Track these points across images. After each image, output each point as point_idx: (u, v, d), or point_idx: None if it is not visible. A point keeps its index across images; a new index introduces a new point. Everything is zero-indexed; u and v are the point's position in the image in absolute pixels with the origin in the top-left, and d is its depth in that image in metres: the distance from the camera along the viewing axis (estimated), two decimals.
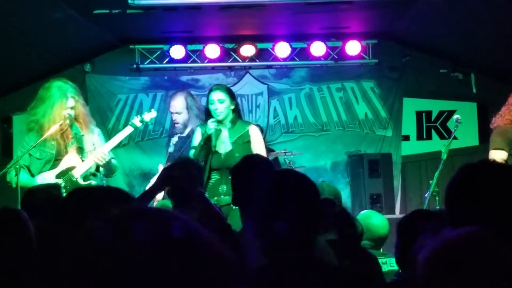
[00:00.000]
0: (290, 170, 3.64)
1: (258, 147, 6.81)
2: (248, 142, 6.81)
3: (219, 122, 6.69)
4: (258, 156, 5.88)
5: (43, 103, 6.54)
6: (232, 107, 6.80)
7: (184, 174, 4.50)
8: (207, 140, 6.65)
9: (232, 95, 6.86)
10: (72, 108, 6.58)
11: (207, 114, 6.85)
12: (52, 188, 5.23)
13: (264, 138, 10.07)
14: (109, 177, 7.15)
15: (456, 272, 1.75)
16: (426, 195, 7.03)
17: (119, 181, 9.78)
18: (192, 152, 6.69)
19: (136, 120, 7.01)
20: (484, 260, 1.76)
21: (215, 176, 6.70)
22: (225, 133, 6.76)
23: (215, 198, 6.47)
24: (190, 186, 4.36)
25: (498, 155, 6.65)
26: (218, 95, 6.72)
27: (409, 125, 10.76)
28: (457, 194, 2.61)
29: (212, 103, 6.73)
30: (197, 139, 6.87)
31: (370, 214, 5.38)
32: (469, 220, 2.47)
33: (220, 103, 6.70)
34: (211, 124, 6.65)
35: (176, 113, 7.82)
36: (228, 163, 6.42)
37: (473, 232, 1.85)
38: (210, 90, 6.86)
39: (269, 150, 9.79)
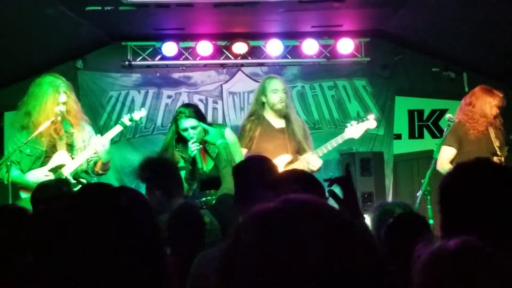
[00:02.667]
0: None
1: (233, 150, 6.79)
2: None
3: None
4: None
5: (36, 99, 6.52)
6: (203, 125, 6.76)
7: None
8: (193, 162, 6.63)
9: (201, 116, 6.82)
10: (64, 103, 6.56)
11: (180, 137, 6.81)
12: (61, 184, 5.25)
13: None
14: (101, 175, 7.11)
15: (452, 280, 1.75)
16: (418, 194, 7.04)
17: (110, 178, 9.74)
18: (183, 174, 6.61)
19: (126, 119, 6.99)
20: (479, 269, 1.76)
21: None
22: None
23: (203, 199, 6.56)
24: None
25: (447, 152, 7.34)
26: (189, 123, 6.67)
27: (401, 124, 10.76)
28: (450, 193, 2.61)
29: (185, 131, 6.69)
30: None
31: None
32: (461, 219, 2.47)
33: (193, 130, 6.66)
34: (193, 146, 6.61)
35: None
36: (214, 176, 6.55)
37: (468, 241, 1.85)
38: (179, 116, 6.76)
39: None
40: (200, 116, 6.79)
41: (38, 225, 2.63)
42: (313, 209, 1.35)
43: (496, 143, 7.28)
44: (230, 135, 6.94)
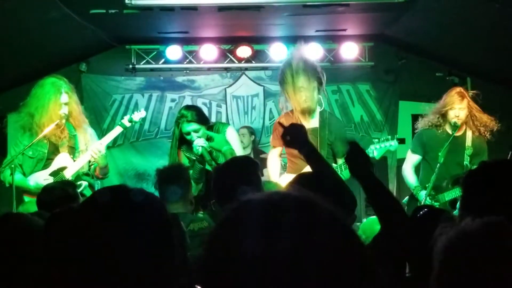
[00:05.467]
0: None
1: (236, 151, 6.66)
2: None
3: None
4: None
5: (38, 100, 6.51)
6: (206, 127, 6.71)
7: None
8: (202, 159, 6.57)
9: (203, 119, 6.73)
10: (66, 104, 6.55)
11: (182, 139, 6.73)
12: (67, 186, 5.25)
13: (254, 140, 10.19)
14: (101, 179, 7.09)
15: (474, 259, 1.75)
16: (422, 198, 7.03)
17: (113, 182, 9.74)
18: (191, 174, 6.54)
19: (125, 120, 6.96)
20: (502, 249, 1.75)
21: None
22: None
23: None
24: None
25: (411, 157, 7.64)
26: (192, 127, 6.57)
27: (404, 128, 10.73)
28: (475, 186, 2.65)
29: (188, 136, 6.59)
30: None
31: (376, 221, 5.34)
32: (483, 210, 2.49)
33: (196, 132, 6.60)
34: (200, 142, 6.55)
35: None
36: None
37: (492, 221, 1.85)
38: (181, 120, 6.63)
39: (261, 152, 9.79)
40: (202, 119, 6.70)
41: (51, 228, 2.63)
42: (294, 201, 1.36)
43: None
44: (232, 135, 6.82)
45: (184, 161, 6.75)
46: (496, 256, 1.74)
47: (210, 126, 6.80)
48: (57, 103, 6.51)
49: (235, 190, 3.75)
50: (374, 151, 6.47)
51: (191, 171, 6.47)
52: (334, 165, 6.53)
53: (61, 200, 4.68)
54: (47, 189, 5.18)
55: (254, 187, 4.07)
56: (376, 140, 6.59)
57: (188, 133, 6.58)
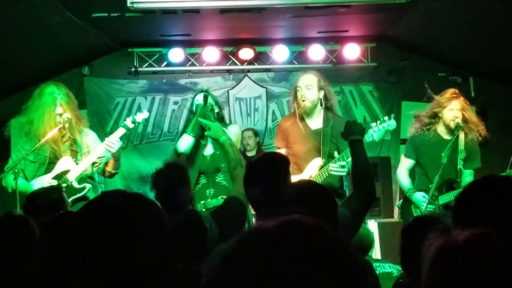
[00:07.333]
0: None
1: None
2: None
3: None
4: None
5: (36, 110, 6.53)
6: (217, 110, 6.79)
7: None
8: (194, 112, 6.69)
9: (216, 102, 6.90)
10: (60, 115, 6.53)
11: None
12: (50, 192, 5.22)
13: (259, 142, 10.20)
14: (113, 175, 7.07)
15: (464, 269, 1.75)
16: (425, 199, 7.01)
17: (117, 185, 9.75)
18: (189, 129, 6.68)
19: (128, 121, 6.96)
20: (488, 261, 1.75)
21: (202, 180, 6.69)
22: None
23: (202, 202, 6.50)
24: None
25: (404, 162, 7.66)
26: (200, 98, 6.77)
27: (407, 129, 10.71)
28: (468, 201, 2.63)
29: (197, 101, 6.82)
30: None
31: None
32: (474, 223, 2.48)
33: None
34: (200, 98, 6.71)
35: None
36: (214, 166, 6.66)
37: (480, 233, 1.84)
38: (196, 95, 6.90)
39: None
40: (216, 100, 6.96)
41: (49, 234, 2.64)
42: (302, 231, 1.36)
43: None
44: (233, 131, 6.73)
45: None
46: (482, 268, 1.74)
47: (219, 113, 6.89)
48: (51, 115, 6.51)
49: (268, 189, 3.72)
50: (374, 134, 6.44)
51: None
52: (336, 154, 6.56)
53: (45, 207, 4.68)
54: (31, 196, 5.14)
55: (283, 185, 4.02)
56: (374, 123, 6.55)
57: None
